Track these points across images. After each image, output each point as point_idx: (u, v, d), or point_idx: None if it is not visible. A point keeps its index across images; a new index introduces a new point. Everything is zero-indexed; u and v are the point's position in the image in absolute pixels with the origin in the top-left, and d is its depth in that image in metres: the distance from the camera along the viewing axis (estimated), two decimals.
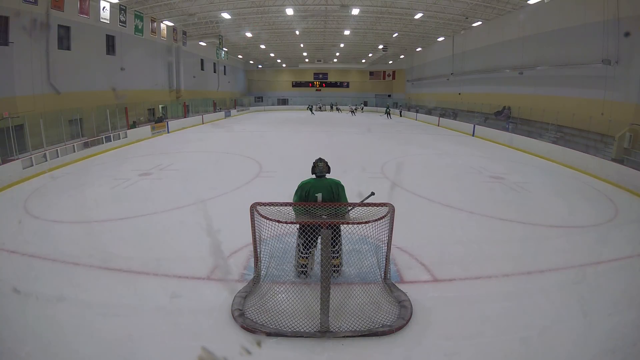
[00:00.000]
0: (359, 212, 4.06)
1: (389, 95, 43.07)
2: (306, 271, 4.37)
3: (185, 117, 23.74)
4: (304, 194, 4.24)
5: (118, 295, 4.11)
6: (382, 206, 3.83)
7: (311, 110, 37.31)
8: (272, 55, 37.58)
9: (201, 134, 20.51)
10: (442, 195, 8.15)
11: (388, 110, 32.71)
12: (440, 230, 6.29)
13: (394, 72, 42.62)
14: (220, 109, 31.24)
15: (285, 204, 3.96)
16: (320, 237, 3.46)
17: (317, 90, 45.21)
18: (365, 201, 4.14)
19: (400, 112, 34.27)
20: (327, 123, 26.95)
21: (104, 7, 15.49)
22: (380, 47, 29.89)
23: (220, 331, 3.47)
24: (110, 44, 17.18)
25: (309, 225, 3.85)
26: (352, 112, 35.81)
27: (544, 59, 16.30)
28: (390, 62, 40.69)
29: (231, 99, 36.70)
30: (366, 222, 3.65)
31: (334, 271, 4.34)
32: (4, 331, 3.40)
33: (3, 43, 11.22)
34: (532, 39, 17.22)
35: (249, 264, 4.69)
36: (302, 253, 4.24)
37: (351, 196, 4.60)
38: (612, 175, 10.00)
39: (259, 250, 4.05)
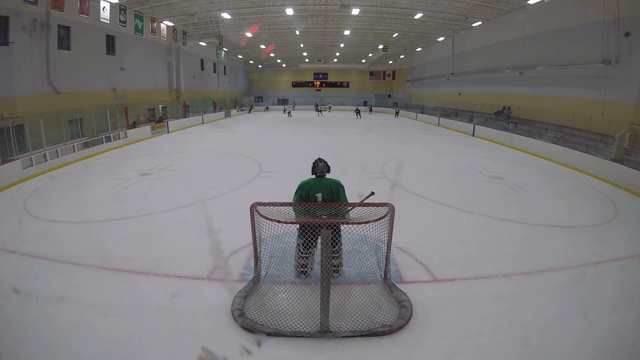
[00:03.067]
0: (359, 212, 4.05)
1: (389, 96, 43.06)
2: (306, 271, 4.36)
3: (185, 117, 23.73)
4: (304, 194, 4.24)
5: (118, 295, 4.11)
6: (382, 206, 3.83)
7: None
8: (272, 55, 37.56)
9: (201, 134, 20.50)
10: (442, 195, 8.14)
11: (358, 110, 33.57)
12: (440, 230, 6.29)
13: (394, 72, 42.62)
14: (220, 109, 31.24)
15: (285, 204, 3.95)
16: (320, 237, 3.45)
17: (317, 90, 45.20)
18: (365, 201, 4.14)
19: (396, 113, 34.01)
20: (327, 123, 26.94)
21: (104, 7, 15.48)
22: (380, 47, 29.88)
23: (220, 331, 3.47)
24: (110, 44, 17.17)
25: (309, 225, 3.85)
26: (288, 112, 33.84)
27: (544, 59, 16.29)
28: (390, 62, 40.68)
29: (231, 98, 36.69)
30: (366, 222, 3.65)
31: (334, 271, 4.34)
32: (4, 331, 3.40)
33: (3, 43, 11.21)
34: (532, 39, 17.22)
35: (249, 264, 4.69)
36: (302, 253, 4.23)
37: (351, 196, 4.60)
38: (612, 175, 10.00)
39: (259, 250, 4.05)
